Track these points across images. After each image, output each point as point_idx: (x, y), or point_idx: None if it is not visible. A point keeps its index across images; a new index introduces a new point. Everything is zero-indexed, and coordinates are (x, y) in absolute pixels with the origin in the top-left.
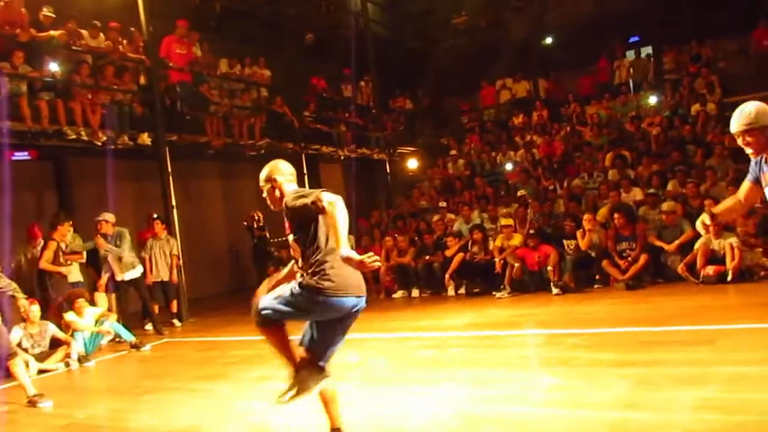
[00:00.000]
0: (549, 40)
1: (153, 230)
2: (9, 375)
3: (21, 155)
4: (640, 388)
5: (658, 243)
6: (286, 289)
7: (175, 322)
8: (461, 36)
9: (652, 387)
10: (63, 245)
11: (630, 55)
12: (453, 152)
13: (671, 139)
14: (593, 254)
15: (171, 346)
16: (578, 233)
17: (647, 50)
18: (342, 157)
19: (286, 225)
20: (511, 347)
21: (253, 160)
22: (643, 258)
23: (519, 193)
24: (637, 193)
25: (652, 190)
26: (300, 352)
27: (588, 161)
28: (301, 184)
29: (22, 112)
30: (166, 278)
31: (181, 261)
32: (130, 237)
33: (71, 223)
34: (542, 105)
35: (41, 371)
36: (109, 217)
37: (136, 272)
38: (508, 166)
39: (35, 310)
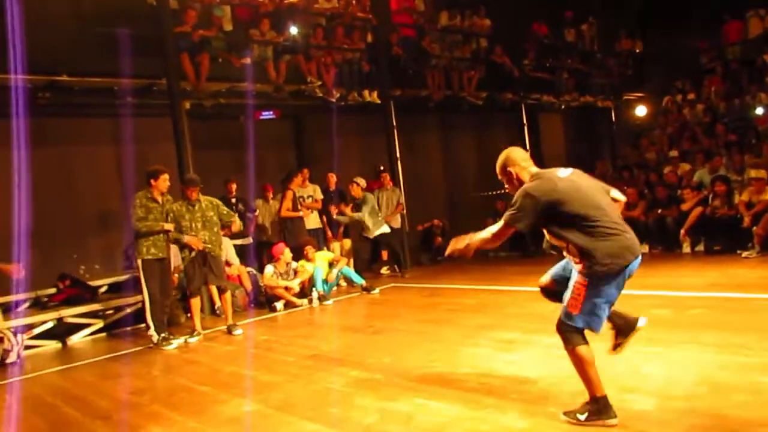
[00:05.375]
0: None
1: (380, 182)
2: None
3: (267, 114)
4: None
5: None
6: None
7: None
8: None
9: None
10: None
11: None
12: (690, 96)
13: None
14: None
15: (396, 290)
16: None
17: None
18: (563, 107)
19: None
20: (764, 312)
21: (471, 111)
22: None
23: None
24: None
25: None
26: None
27: None
28: (520, 135)
29: (269, 74)
30: (395, 225)
31: (404, 210)
32: (373, 202)
33: (304, 173)
34: None
35: (287, 305)
36: (361, 182)
37: (384, 229)
38: (759, 111)
39: (287, 252)
